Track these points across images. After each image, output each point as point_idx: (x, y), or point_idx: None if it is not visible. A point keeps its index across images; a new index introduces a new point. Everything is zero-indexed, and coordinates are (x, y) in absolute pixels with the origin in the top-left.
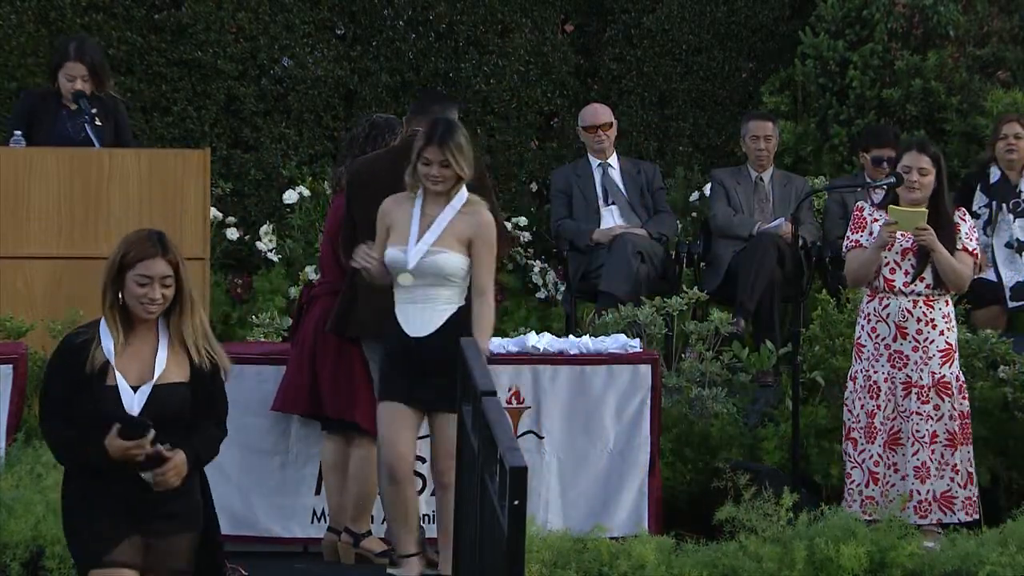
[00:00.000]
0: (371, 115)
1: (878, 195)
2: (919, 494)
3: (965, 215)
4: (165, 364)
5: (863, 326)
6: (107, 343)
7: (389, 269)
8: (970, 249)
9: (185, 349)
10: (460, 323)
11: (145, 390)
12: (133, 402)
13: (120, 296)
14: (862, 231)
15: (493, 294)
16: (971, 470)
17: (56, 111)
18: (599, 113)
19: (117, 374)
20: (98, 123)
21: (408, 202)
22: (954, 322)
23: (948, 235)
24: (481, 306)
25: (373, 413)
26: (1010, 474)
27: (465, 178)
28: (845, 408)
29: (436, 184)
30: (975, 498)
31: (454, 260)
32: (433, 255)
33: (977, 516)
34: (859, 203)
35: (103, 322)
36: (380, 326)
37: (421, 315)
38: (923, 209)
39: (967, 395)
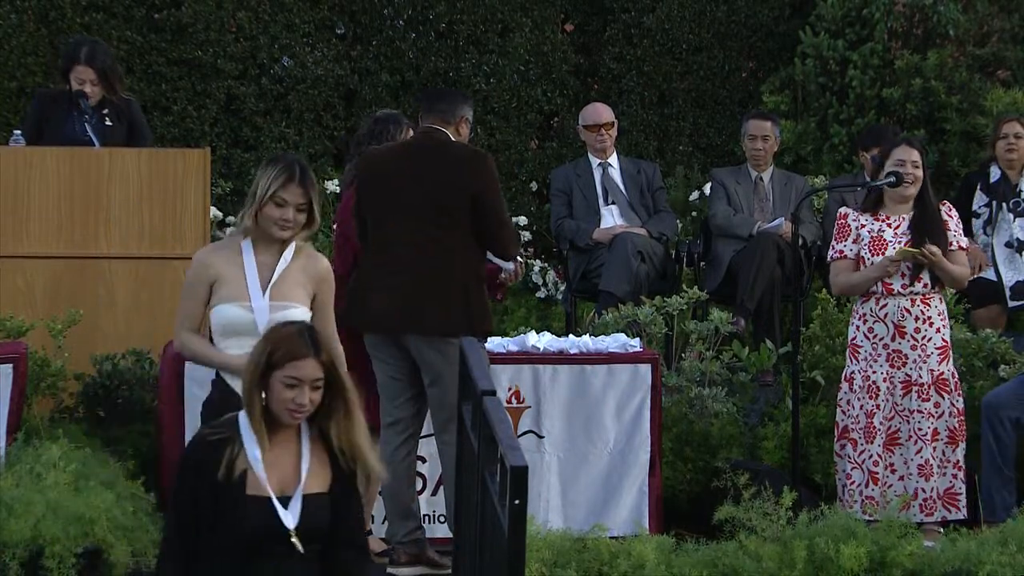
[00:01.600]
0: (375, 112)
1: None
2: (924, 492)
3: (951, 209)
4: (308, 470)
5: (859, 327)
6: (252, 449)
7: (221, 330)
8: (963, 245)
9: (329, 453)
10: None
11: (296, 502)
12: (287, 515)
13: (264, 397)
14: (846, 239)
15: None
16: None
17: (68, 111)
18: (601, 112)
19: (266, 484)
20: (108, 123)
21: (231, 251)
22: (947, 318)
23: (938, 231)
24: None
25: (375, 407)
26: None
27: (316, 227)
28: (839, 410)
29: (285, 229)
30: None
31: (303, 314)
32: (282, 310)
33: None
34: (843, 209)
35: (243, 423)
36: (387, 321)
37: None
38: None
39: (961, 391)
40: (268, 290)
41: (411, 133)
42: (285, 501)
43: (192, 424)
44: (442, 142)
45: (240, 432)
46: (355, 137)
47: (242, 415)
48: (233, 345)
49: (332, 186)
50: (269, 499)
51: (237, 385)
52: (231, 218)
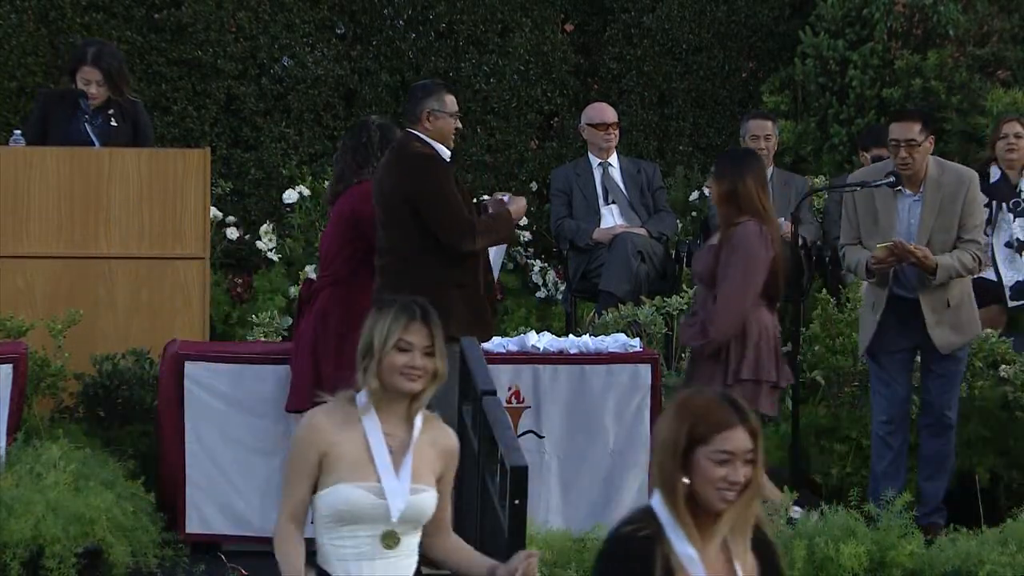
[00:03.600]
0: (373, 119)
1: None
2: None
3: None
4: (742, 567)
5: None
6: (682, 547)
7: (336, 515)
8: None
9: (745, 544)
10: None
11: None
12: None
13: (687, 483)
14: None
15: None
16: None
17: (71, 111)
18: (607, 111)
19: None
20: (113, 124)
21: (347, 417)
22: None
23: None
24: (459, 541)
25: None
26: (1010, 474)
27: (443, 378)
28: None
29: (414, 380)
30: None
31: (434, 499)
32: (415, 494)
33: None
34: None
35: (661, 514)
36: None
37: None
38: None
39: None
40: (401, 470)
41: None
42: None
43: (192, 424)
44: (397, 148)
45: (664, 529)
46: (356, 143)
47: (657, 505)
48: (346, 535)
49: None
50: None
51: None
52: (231, 218)
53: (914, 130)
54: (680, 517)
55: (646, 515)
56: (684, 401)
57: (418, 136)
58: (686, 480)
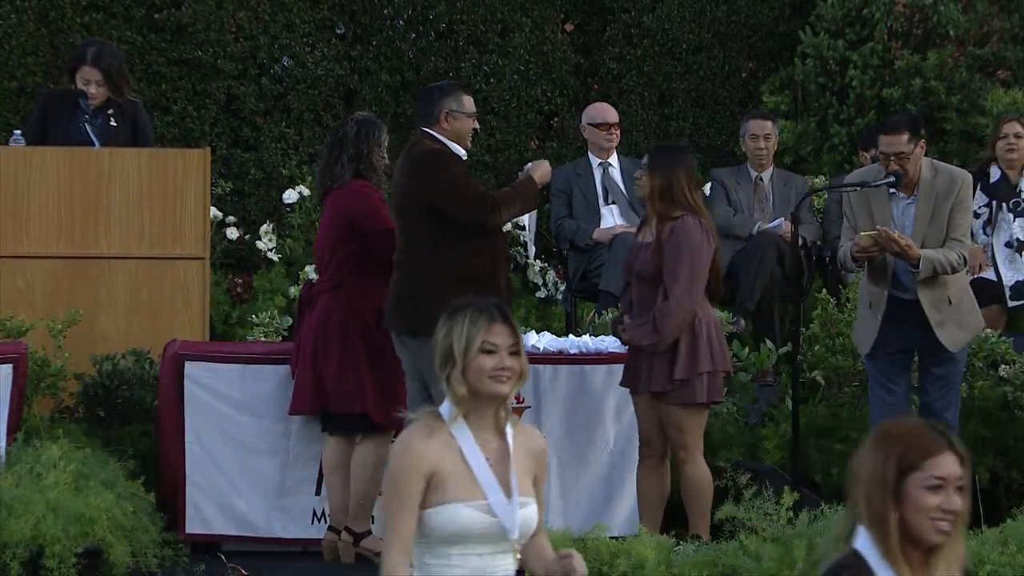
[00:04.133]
0: (357, 115)
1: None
2: None
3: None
4: None
5: None
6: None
7: (447, 537)
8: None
9: None
10: None
11: None
12: None
13: (897, 516)
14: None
15: None
16: None
17: (71, 112)
18: (608, 112)
19: None
20: (113, 124)
21: (440, 435)
22: None
23: None
24: (545, 541)
25: (382, 404)
26: (1010, 474)
27: (527, 378)
28: None
29: (502, 381)
30: None
31: (536, 510)
32: (522, 507)
33: None
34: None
35: (869, 555)
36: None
37: None
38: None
39: None
40: (507, 485)
41: (387, 138)
42: None
43: (192, 424)
44: (412, 147)
45: (872, 569)
46: (335, 136)
47: (863, 547)
48: (456, 554)
49: None
50: None
51: None
52: (231, 218)
53: (902, 141)
54: (892, 555)
55: (854, 559)
56: (886, 431)
57: (434, 136)
58: (900, 513)
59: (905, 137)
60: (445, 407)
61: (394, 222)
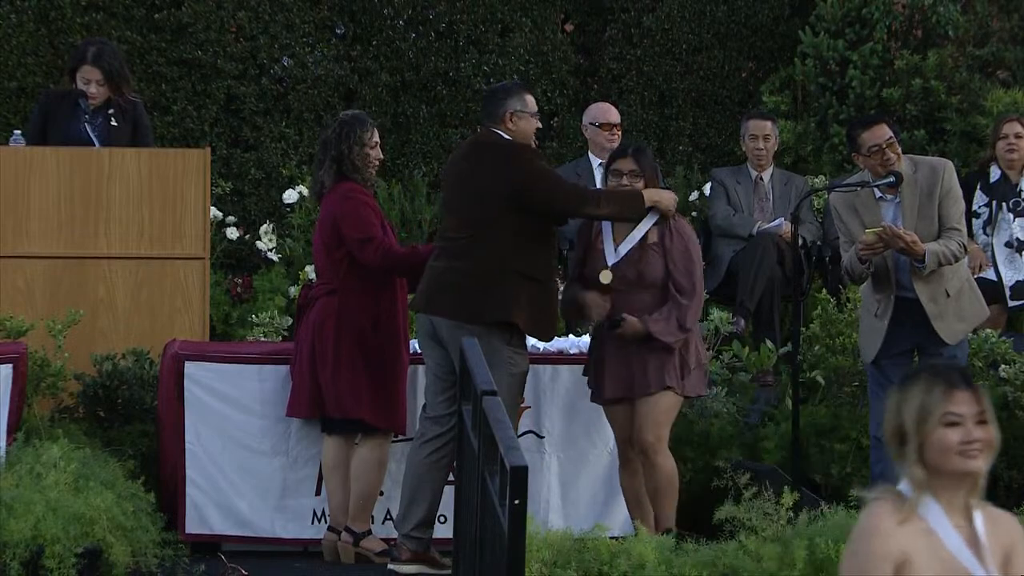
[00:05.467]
0: (340, 114)
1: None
2: None
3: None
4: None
5: None
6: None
7: None
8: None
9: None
10: None
11: None
12: None
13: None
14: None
15: None
16: None
17: (71, 111)
18: (611, 112)
19: None
20: (114, 124)
21: (907, 514)
22: None
23: None
24: None
25: (380, 407)
26: (1010, 474)
27: (998, 442)
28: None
29: (972, 456)
30: None
31: None
32: None
33: None
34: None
35: (907, 493)
36: (417, 300)
37: None
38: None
39: None
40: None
41: (376, 134)
42: None
43: (192, 424)
44: (482, 139)
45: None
46: (322, 138)
47: (904, 487)
48: None
49: None
50: None
51: None
52: (231, 218)
53: (884, 130)
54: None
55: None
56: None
57: (499, 135)
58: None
59: (885, 125)
60: (904, 485)
61: (450, 209)
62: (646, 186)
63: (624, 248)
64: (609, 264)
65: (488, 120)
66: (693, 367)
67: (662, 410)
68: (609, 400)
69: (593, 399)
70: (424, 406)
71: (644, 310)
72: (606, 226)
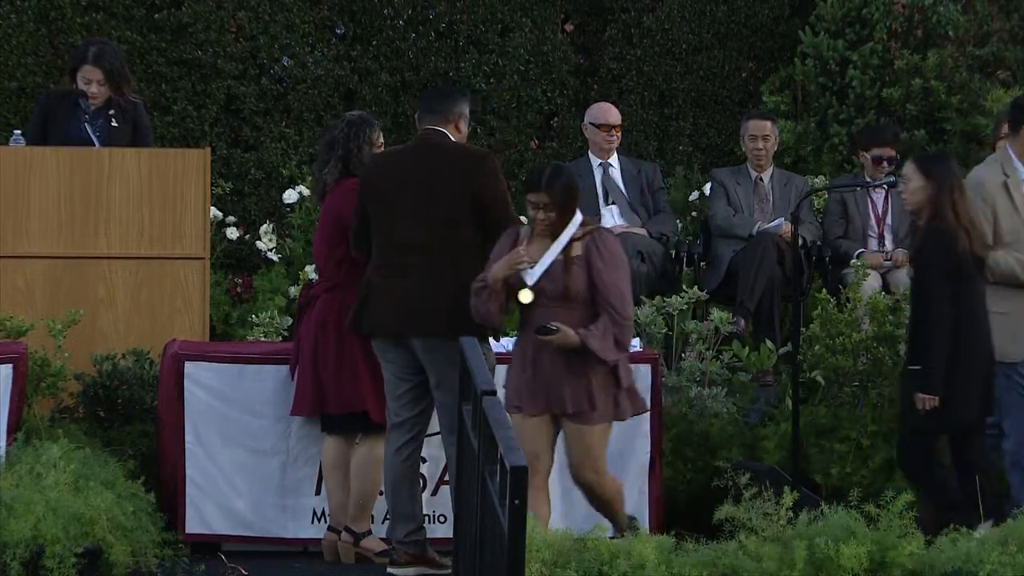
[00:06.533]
0: (346, 115)
1: (878, 194)
2: None
3: None
4: None
5: None
6: None
7: None
8: None
9: None
10: None
11: None
12: None
13: None
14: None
15: None
16: None
17: (71, 111)
18: (611, 113)
19: None
20: (114, 124)
21: None
22: None
23: None
24: None
25: (381, 405)
26: None
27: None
28: None
29: None
30: None
31: None
32: None
33: None
34: None
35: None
36: (392, 325)
37: None
38: None
39: None
40: None
41: (380, 135)
42: None
43: (192, 424)
44: (440, 143)
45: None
46: (327, 139)
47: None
48: None
49: None
50: None
51: None
52: (231, 218)
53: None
54: None
55: None
56: None
57: (449, 137)
58: None
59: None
60: None
61: (410, 213)
62: (560, 215)
63: (546, 260)
64: (529, 283)
65: (432, 118)
66: (626, 387)
67: (598, 442)
68: (531, 413)
69: (508, 408)
70: (387, 412)
71: (572, 326)
72: (526, 240)
